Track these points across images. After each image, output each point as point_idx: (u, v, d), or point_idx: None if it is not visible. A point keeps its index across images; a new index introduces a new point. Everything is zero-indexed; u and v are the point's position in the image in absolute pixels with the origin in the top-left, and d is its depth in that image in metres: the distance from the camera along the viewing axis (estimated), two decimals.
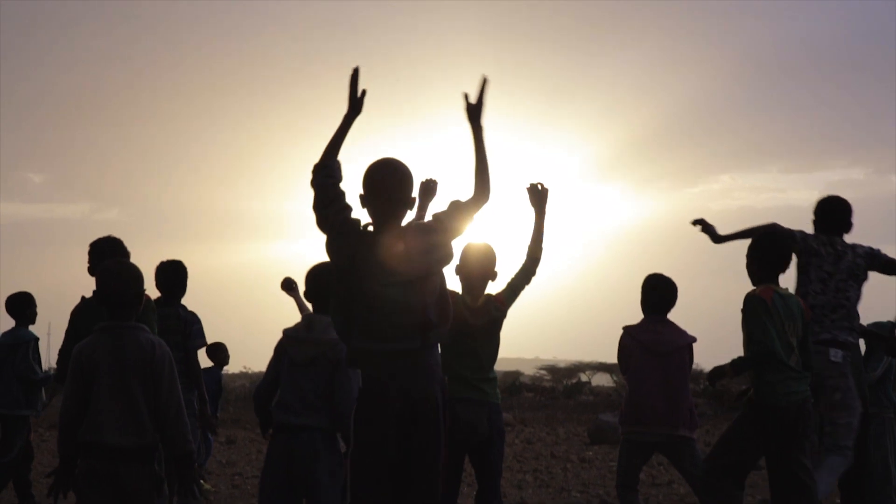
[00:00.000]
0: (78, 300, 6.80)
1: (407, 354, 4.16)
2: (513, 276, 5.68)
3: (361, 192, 4.31)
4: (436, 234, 4.25)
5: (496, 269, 5.62)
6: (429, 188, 5.84)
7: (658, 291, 6.39)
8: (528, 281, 5.68)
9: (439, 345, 4.37)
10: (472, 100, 4.45)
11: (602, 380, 35.84)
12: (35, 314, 8.45)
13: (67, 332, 6.71)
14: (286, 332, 5.20)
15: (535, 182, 5.65)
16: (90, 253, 6.51)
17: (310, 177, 4.31)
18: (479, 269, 5.58)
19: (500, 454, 5.60)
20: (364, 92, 4.39)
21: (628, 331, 6.37)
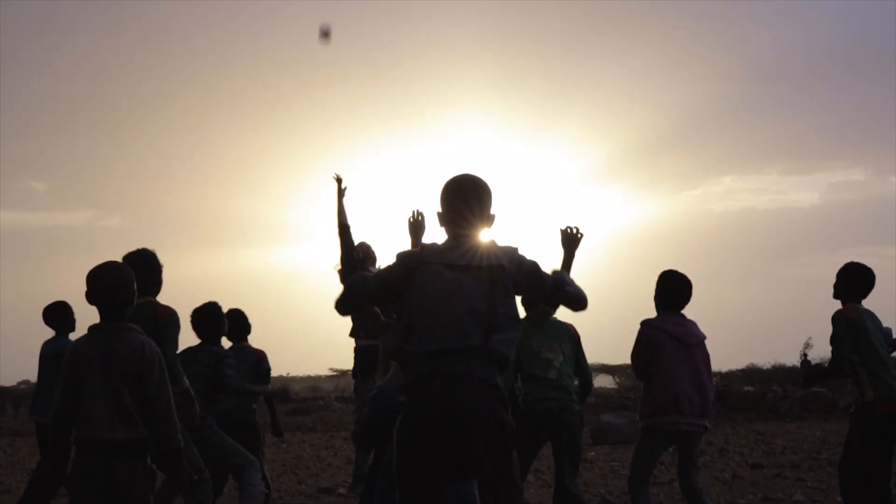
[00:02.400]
0: (81, 306, 6.88)
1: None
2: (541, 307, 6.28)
3: (439, 209, 4.27)
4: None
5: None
6: (418, 225, 5.83)
7: (676, 287, 6.55)
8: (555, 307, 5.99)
9: None
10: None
11: (604, 381, 35.86)
12: (74, 322, 8.44)
13: None
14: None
15: (570, 226, 5.80)
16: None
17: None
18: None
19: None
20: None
21: (653, 323, 6.48)
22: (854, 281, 6.77)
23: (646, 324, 6.52)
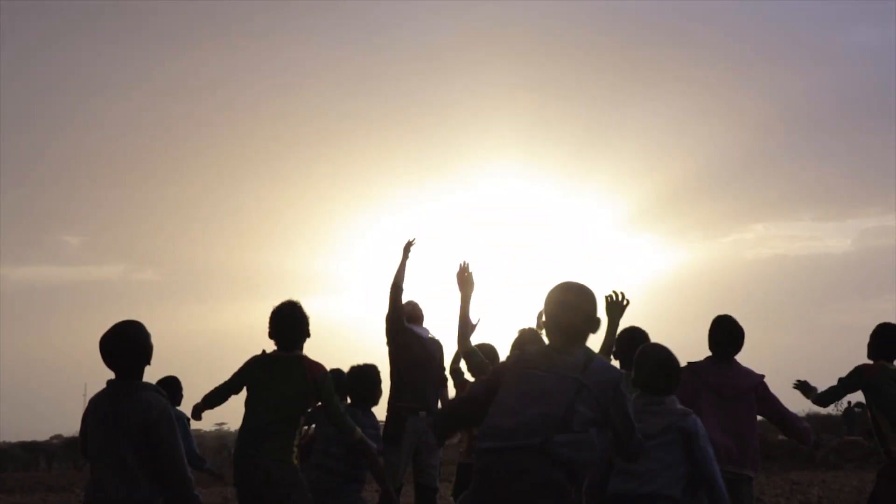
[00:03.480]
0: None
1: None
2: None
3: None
4: None
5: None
6: (467, 280, 5.81)
7: (724, 334, 6.37)
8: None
9: None
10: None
11: None
12: (181, 398, 8.61)
13: (231, 379, 6.23)
14: None
15: (615, 292, 5.53)
16: (270, 320, 6.10)
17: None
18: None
19: None
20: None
21: (694, 368, 6.29)
22: (884, 342, 7.08)
23: (688, 368, 6.18)
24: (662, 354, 4.99)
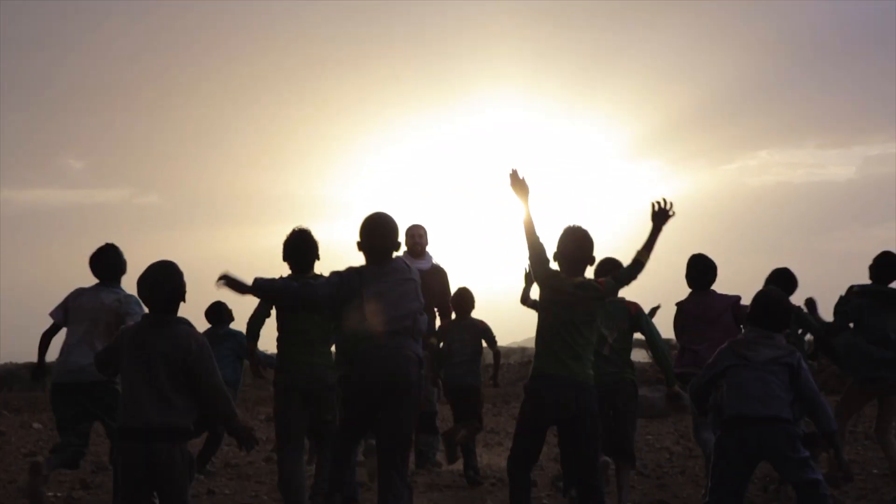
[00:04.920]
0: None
1: None
2: (620, 270, 5.90)
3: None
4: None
5: (594, 254, 5.78)
6: (522, 185, 5.80)
7: (697, 270, 7.49)
8: (632, 279, 5.85)
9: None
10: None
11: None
12: (232, 318, 9.32)
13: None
14: None
15: (661, 202, 5.83)
16: (284, 246, 6.68)
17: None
18: (578, 251, 5.74)
19: (588, 432, 5.62)
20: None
21: (679, 306, 7.49)
22: (884, 270, 7.62)
23: (677, 306, 7.51)
24: (773, 297, 5.69)
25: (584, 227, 5.77)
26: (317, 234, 6.70)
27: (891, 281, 7.62)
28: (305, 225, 6.67)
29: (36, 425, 18.31)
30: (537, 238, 5.71)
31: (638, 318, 7.01)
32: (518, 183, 5.77)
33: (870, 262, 7.66)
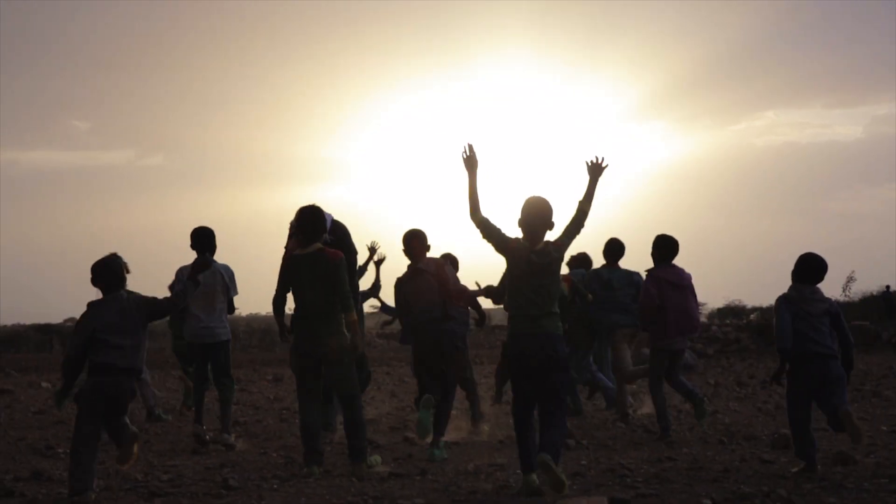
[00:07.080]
0: (114, 248, 7.42)
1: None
2: (567, 224, 6.45)
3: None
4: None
5: (553, 220, 6.39)
6: (472, 160, 6.43)
7: (663, 246, 8.98)
8: (579, 229, 6.51)
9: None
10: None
11: None
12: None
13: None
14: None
15: (595, 158, 6.48)
16: (296, 219, 7.41)
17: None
18: (538, 220, 6.35)
19: (559, 380, 6.28)
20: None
21: (653, 273, 8.95)
22: None
23: (649, 273, 9.03)
24: (818, 259, 6.99)
25: (543, 196, 6.39)
26: (318, 196, 7.11)
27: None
28: (309, 187, 7.17)
29: (44, 384, 18.41)
30: (479, 213, 6.37)
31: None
32: (469, 159, 6.40)
33: (875, 222, 7.84)
